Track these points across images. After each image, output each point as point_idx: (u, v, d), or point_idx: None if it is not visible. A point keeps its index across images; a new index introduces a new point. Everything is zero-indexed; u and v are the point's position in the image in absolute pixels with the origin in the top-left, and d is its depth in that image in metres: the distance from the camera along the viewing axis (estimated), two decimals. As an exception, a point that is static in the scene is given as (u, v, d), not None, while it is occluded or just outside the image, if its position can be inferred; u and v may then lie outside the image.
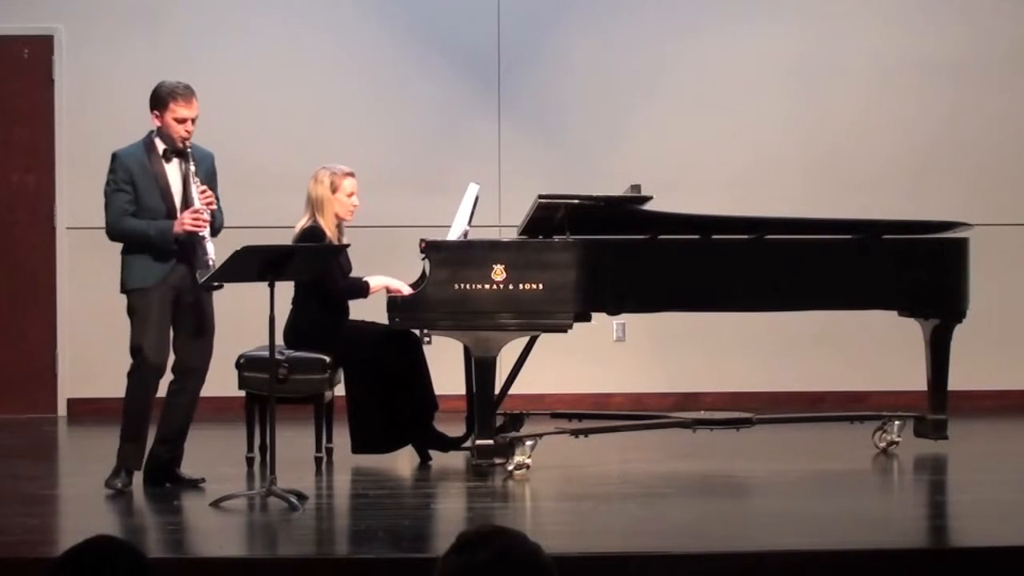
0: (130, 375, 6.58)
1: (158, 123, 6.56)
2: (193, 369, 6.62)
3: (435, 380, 7.35)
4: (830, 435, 7.92)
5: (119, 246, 6.60)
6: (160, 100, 6.54)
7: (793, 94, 9.33)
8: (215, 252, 6.42)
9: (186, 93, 6.53)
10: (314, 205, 7.24)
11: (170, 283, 6.53)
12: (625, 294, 7.05)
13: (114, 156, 6.61)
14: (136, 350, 6.55)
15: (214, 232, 6.61)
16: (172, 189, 6.55)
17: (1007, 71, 9.36)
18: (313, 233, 7.15)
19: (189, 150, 6.52)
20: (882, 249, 7.34)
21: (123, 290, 6.60)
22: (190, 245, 6.48)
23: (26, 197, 9.21)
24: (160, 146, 6.56)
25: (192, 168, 6.52)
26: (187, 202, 6.52)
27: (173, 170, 6.56)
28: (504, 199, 9.17)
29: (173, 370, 6.63)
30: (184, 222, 6.44)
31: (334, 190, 7.24)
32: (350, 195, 7.28)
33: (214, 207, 6.53)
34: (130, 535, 5.74)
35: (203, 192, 6.49)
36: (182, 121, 6.50)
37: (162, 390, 6.64)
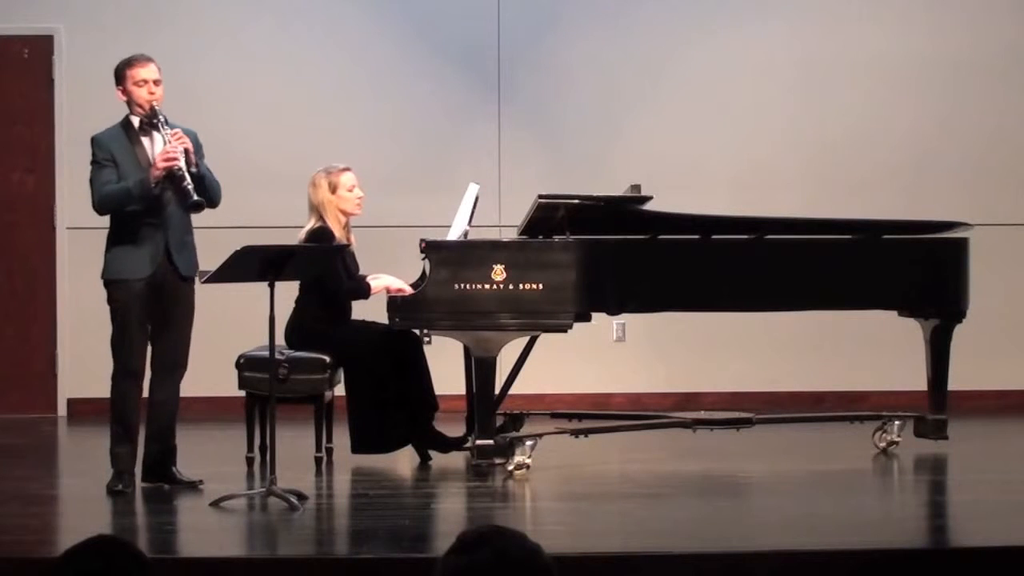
0: (112, 377, 6.52)
1: (124, 98, 6.48)
2: (173, 363, 6.53)
3: (435, 380, 7.35)
4: (830, 435, 7.91)
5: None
6: (119, 73, 6.50)
7: (793, 94, 9.33)
8: (224, 250, 6.31)
9: (141, 58, 6.48)
10: (318, 209, 7.22)
11: (156, 279, 6.42)
12: (625, 294, 7.04)
13: (93, 139, 6.53)
14: (115, 350, 6.47)
15: (210, 201, 6.45)
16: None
17: (1007, 71, 9.36)
18: (322, 234, 7.14)
19: (161, 114, 6.40)
20: (882, 249, 7.33)
21: (104, 277, 6.49)
22: (174, 189, 6.34)
23: (26, 197, 9.21)
24: (135, 122, 6.48)
25: (162, 119, 6.38)
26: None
27: (152, 145, 6.45)
28: (504, 199, 9.17)
29: (153, 366, 6.54)
30: (157, 163, 6.33)
31: (333, 190, 7.23)
32: (351, 189, 7.28)
33: (186, 143, 6.35)
34: (130, 535, 5.74)
35: (173, 134, 6.35)
36: (143, 83, 6.43)
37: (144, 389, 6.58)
